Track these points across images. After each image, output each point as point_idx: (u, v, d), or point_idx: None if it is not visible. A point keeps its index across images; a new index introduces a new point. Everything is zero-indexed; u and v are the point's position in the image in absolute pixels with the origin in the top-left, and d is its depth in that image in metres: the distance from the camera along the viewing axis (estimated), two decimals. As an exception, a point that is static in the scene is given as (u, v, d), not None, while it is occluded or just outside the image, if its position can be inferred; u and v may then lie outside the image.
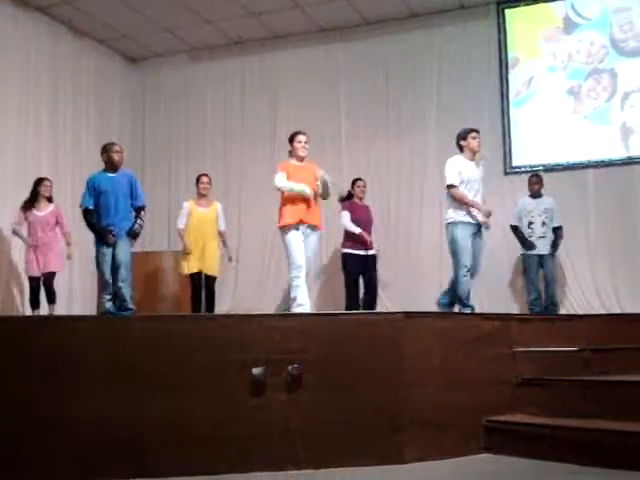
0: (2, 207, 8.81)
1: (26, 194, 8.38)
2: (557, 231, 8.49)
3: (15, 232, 8.34)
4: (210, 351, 4.97)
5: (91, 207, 6.96)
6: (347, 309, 8.14)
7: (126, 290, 6.84)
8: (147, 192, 11.11)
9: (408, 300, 8.57)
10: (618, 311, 8.41)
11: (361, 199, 8.94)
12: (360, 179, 9.01)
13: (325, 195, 7.02)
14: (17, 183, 8.90)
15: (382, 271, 9.02)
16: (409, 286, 9.36)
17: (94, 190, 6.96)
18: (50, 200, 8.41)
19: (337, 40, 10.52)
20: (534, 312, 8.06)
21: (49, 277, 8.25)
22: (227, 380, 4.93)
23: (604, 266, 8.96)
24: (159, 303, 8.96)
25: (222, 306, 10.04)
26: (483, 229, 7.01)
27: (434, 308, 7.02)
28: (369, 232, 8.74)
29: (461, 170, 6.95)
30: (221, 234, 8.48)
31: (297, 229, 6.77)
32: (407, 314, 5.23)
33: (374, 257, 8.75)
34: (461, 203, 6.88)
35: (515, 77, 9.76)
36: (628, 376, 5.41)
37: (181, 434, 4.84)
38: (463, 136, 7.09)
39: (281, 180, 6.82)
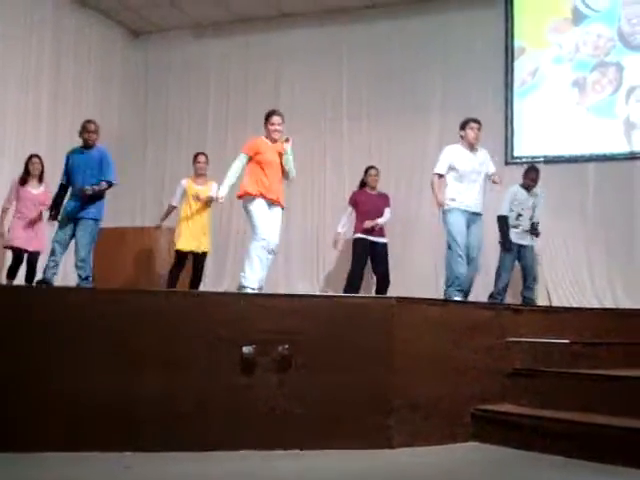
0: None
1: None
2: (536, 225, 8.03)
3: (3, 211, 8.28)
4: (201, 328, 4.97)
5: (63, 182, 7.12)
6: (344, 292, 8.11)
7: (81, 272, 6.83)
8: (147, 167, 11.19)
9: (406, 287, 8.51)
10: (613, 305, 8.39)
11: (374, 188, 8.86)
12: (373, 167, 8.90)
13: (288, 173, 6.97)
14: (16, 157, 8.82)
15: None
16: (408, 272, 9.32)
17: (67, 166, 7.10)
18: (41, 178, 8.32)
19: (343, 22, 10.45)
20: (496, 302, 7.80)
21: (34, 257, 8.19)
22: (217, 358, 4.93)
23: (600, 260, 8.94)
24: (154, 280, 8.92)
25: (221, 285, 10.05)
26: (479, 219, 7.01)
27: (433, 296, 6.99)
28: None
29: (454, 160, 6.97)
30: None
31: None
32: (399, 299, 5.22)
33: (384, 245, 8.71)
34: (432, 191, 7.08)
35: (520, 67, 9.70)
36: (618, 371, 5.40)
37: (171, 410, 4.85)
38: (462, 126, 7.10)
39: (234, 165, 6.87)
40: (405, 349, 5.13)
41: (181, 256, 8.06)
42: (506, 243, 7.84)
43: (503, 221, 7.88)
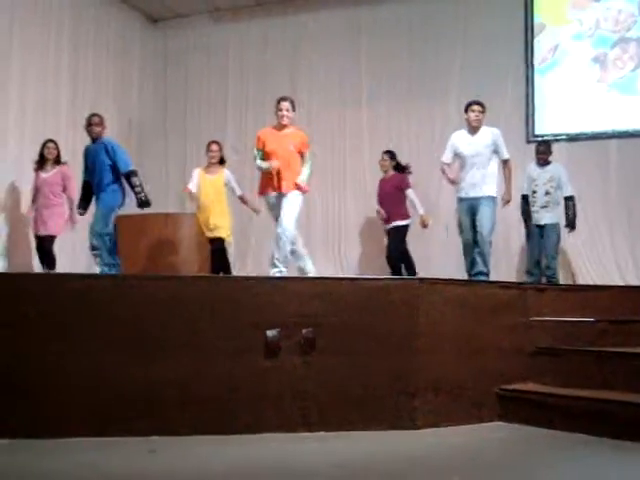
0: (19, 164, 8.84)
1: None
2: (567, 201, 8.07)
3: (33, 201, 8.39)
4: (225, 312, 4.99)
5: (86, 179, 7.32)
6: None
7: (98, 260, 6.98)
8: (168, 154, 11.21)
9: (429, 270, 8.52)
10: (637, 283, 8.33)
11: (385, 172, 8.94)
12: (385, 152, 8.99)
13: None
14: (34, 140, 8.84)
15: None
16: (425, 256, 9.31)
17: (84, 161, 7.32)
18: (57, 162, 8.38)
19: (361, 4, 10.40)
20: (528, 282, 7.87)
21: (48, 241, 8.23)
22: (241, 342, 4.95)
23: (624, 237, 8.88)
24: (177, 267, 8.93)
25: (244, 271, 10.08)
26: (490, 200, 7.02)
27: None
28: (392, 205, 8.79)
29: (456, 145, 7.01)
30: (241, 198, 8.43)
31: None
32: (422, 280, 5.23)
33: (395, 229, 8.80)
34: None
35: (540, 44, 9.62)
36: (644, 348, 5.38)
37: (195, 394, 4.88)
38: (465, 109, 7.09)
39: (256, 159, 6.98)
40: (428, 330, 5.13)
41: (211, 241, 8.14)
42: (527, 220, 8.11)
43: (521, 200, 8.14)
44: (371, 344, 5.03)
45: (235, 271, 8.94)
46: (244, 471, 4.04)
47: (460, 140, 7.02)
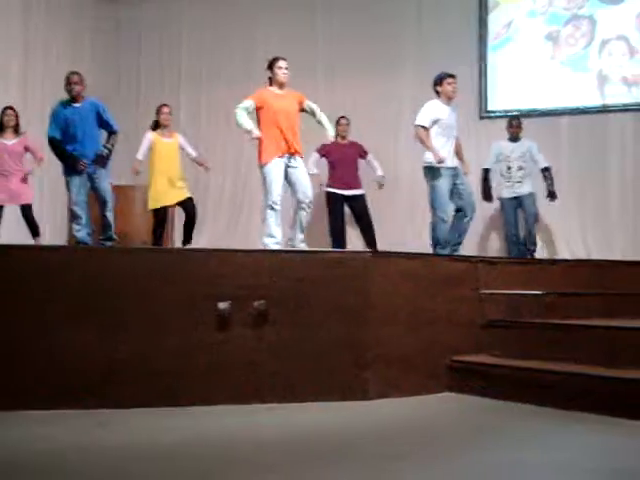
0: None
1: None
2: (544, 172, 8.31)
3: None
4: (177, 285, 4.97)
5: (58, 137, 6.80)
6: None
7: (111, 219, 6.80)
8: (118, 127, 11.03)
9: (386, 243, 8.51)
10: (585, 257, 8.47)
11: (343, 137, 8.82)
12: (343, 117, 8.90)
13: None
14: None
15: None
16: (387, 229, 9.29)
17: (59, 121, 6.81)
18: (17, 130, 8.19)
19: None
20: (513, 254, 8.08)
21: (27, 210, 8.04)
22: (193, 314, 4.94)
23: (574, 213, 8.99)
24: (127, 240, 8.85)
25: (198, 244, 9.99)
26: (461, 171, 7.06)
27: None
28: (352, 171, 8.67)
29: (437, 114, 6.96)
30: (196, 160, 8.34)
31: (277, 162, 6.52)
32: (374, 253, 5.25)
33: (362, 196, 8.65)
34: (421, 144, 6.97)
35: (494, 20, 9.63)
36: (589, 321, 5.48)
37: (146, 366, 4.87)
38: (438, 82, 7.08)
39: (240, 112, 6.50)
40: (380, 302, 5.17)
41: (158, 211, 7.97)
42: (485, 193, 8.29)
43: (483, 173, 8.34)
44: (323, 316, 5.05)
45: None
46: (194, 443, 4.04)
47: (441, 110, 6.98)
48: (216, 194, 10.41)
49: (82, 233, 6.73)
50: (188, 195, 8.04)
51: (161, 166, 7.96)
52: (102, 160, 6.78)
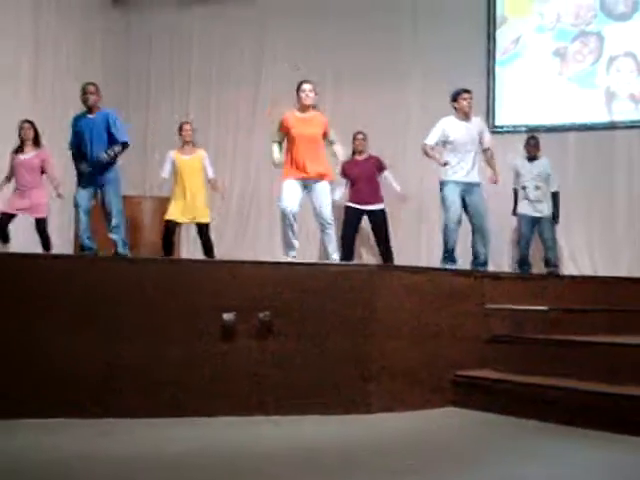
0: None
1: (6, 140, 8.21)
2: (554, 197, 8.25)
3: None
4: (181, 295, 4.98)
5: (73, 151, 6.89)
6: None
7: (116, 237, 6.73)
8: (129, 132, 11.06)
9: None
10: (591, 274, 8.46)
11: (361, 153, 8.80)
12: (359, 132, 8.85)
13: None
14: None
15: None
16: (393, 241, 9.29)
17: (73, 132, 6.88)
18: (36, 143, 8.16)
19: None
20: (522, 272, 8.02)
21: (41, 223, 8.02)
22: (197, 324, 4.95)
23: (580, 229, 8.99)
24: (137, 250, 8.85)
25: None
26: (480, 187, 7.10)
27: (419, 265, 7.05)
28: (372, 186, 8.60)
29: (449, 132, 7.01)
30: (210, 182, 8.34)
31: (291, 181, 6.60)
32: (380, 266, 5.26)
33: (381, 211, 8.61)
34: (429, 158, 7.15)
35: (502, 36, 9.67)
36: (594, 337, 5.47)
37: (150, 376, 4.87)
38: (454, 97, 7.15)
39: (274, 147, 6.75)
40: (385, 316, 5.17)
41: (169, 223, 7.99)
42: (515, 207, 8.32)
43: (515, 191, 8.32)
44: (328, 329, 5.06)
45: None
46: (198, 454, 4.04)
47: (453, 127, 7.03)
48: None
49: (83, 237, 6.77)
50: (205, 220, 8.04)
51: (180, 183, 8.00)
52: (99, 163, 6.71)
